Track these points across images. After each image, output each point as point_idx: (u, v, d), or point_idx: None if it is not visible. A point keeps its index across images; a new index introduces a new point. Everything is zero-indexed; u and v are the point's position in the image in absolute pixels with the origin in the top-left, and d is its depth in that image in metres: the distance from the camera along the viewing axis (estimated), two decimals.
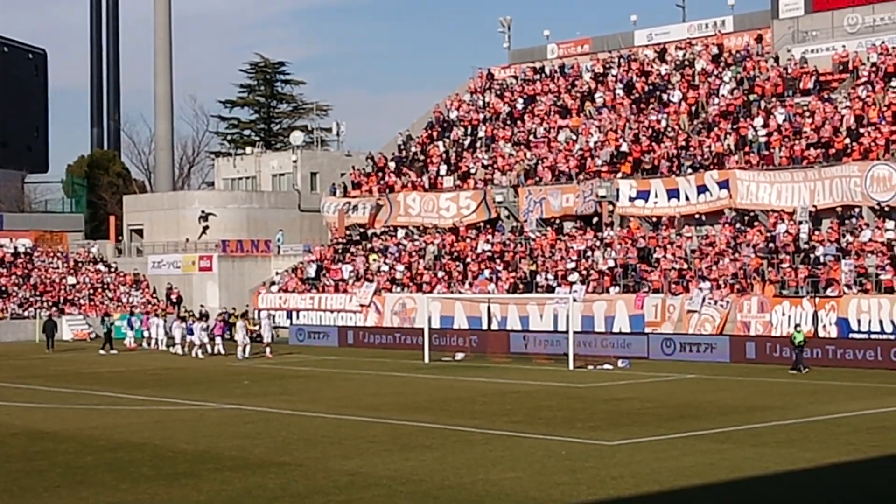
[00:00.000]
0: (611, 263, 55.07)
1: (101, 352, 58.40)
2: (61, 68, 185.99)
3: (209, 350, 55.33)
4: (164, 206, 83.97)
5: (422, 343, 51.76)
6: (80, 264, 79.61)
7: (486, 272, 59.03)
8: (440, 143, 72.40)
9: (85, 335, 70.87)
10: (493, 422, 29.83)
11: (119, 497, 20.58)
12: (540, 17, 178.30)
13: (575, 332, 47.64)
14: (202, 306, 68.68)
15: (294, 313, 65.67)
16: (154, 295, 76.45)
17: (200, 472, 22.76)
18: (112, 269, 79.84)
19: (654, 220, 57.90)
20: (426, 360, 50.05)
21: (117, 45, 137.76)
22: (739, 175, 54.90)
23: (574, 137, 65.30)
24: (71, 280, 76.72)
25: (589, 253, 56.81)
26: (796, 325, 44.73)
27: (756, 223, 53.84)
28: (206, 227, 79.98)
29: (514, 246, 60.95)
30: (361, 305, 62.60)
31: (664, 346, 49.91)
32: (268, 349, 53.81)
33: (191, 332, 55.83)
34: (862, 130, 53.53)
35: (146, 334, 62.13)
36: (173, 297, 74.75)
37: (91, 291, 75.92)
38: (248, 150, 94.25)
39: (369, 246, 68.17)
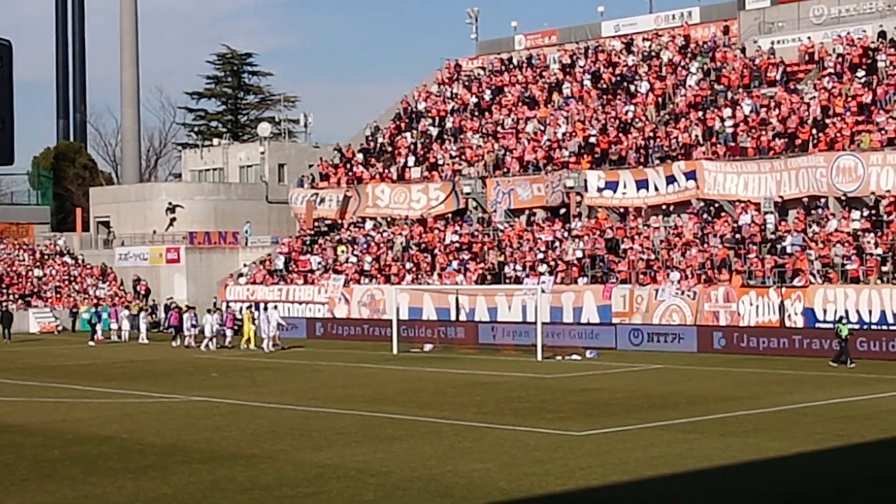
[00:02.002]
0: (579, 254, 55.19)
1: (91, 343, 58.75)
2: (27, 59, 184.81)
3: (222, 343, 54.96)
4: (130, 198, 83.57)
5: (390, 334, 51.76)
6: (46, 256, 79.20)
7: (455, 263, 59.06)
8: (408, 135, 72.36)
9: (52, 328, 70.57)
10: (461, 413, 29.88)
11: (87, 490, 20.51)
12: (507, 8, 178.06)
13: (543, 323, 47.74)
14: (170, 298, 68.56)
15: (262, 305, 65.43)
16: (121, 287, 76.12)
17: (168, 465, 22.70)
18: (79, 262, 79.46)
19: (622, 210, 58.05)
20: (395, 351, 50.07)
21: (83, 35, 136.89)
22: (707, 166, 55.10)
23: (542, 128, 65.38)
24: (38, 272, 76.32)
25: (557, 244, 56.91)
26: (841, 318, 43.34)
27: (723, 213, 54.07)
28: (173, 219, 79.67)
29: (482, 237, 61.00)
30: (330, 297, 62.52)
31: (632, 336, 50.10)
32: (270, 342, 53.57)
33: (195, 323, 55.80)
34: (828, 121, 53.82)
35: (114, 326, 61.94)
36: (141, 289, 74.47)
37: (58, 284, 75.55)
38: (216, 141, 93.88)
39: (337, 237, 68.09)
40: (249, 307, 58.54)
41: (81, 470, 22.39)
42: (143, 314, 62.36)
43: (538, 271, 55.08)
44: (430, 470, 21.79)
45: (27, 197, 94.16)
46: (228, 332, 55.40)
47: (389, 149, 72.05)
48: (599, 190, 58.71)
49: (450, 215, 64.95)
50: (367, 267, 62.93)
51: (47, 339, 65.39)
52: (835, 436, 25.48)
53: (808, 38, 61.43)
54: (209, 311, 57.24)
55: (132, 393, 36.22)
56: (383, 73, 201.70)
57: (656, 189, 56.80)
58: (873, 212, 49.53)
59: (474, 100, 72.24)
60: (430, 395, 34.44)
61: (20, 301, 72.02)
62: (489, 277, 57.25)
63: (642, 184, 57.30)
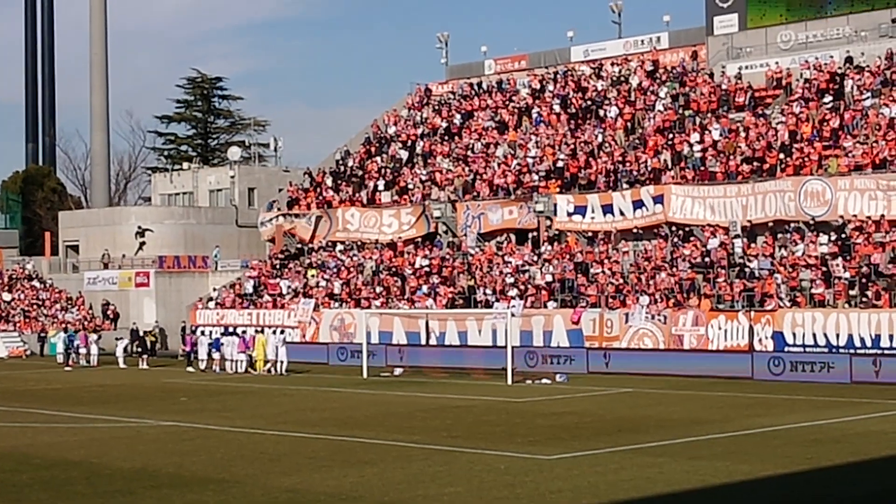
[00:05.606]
0: (548, 278, 55.31)
1: (68, 368, 58.50)
2: None
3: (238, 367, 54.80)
4: (100, 221, 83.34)
5: (360, 358, 51.70)
6: (14, 280, 78.82)
7: (425, 287, 59.08)
8: (378, 159, 72.41)
9: (20, 352, 70.14)
10: (432, 437, 29.87)
11: None
12: (477, 33, 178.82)
13: (513, 347, 47.78)
14: (157, 323, 68.37)
15: (231, 329, 65.25)
16: (90, 311, 75.77)
17: (137, 490, 22.60)
18: (47, 286, 79.07)
19: (591, 234, 58.21)
20: (365, 375, 50.01)
21: (52, 59, 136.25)
22: (674, 190, 55.33)
23: (512, 153, 65.55)
24: (6, 296, 75.93)
25: (527, 268, 57.00)
26: None
27: (692, 238, 54.27)
28: (142, 243, 79.45)
29: (452, 261, 61.04)
30: (300, 321, 62.42)
31: (602, 360, 50.15)
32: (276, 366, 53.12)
33: (217, 347, 55.59)
34: (795, 146, 54.16)
35: (83, 351, 61.57)
36: (110, 313, 74.16)
37: (26, 308, 75.17)
38: (185, 165, 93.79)
39: (307, 261, 68.02)
40: (260, 331, 58.20)
41: (49, 495, 22.26)
42: (121, 339, 61.93)
43: (508, 295, 55.13)
44: (400, 494, 21.77)
45: None
46: (244, 357, 54.74)
47: (359, 173, 72.08)
48: (569, 214, 58.90)
49: (420, 239, 64.98)
50: (337, 291, 62.86)
51: (15, 363, 64.97)
52: (804, 459, 25.59)
53: (776, 63, 61.89)
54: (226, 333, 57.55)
55: (101, 417, 36.05)
56: (353, 98, 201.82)
57: (622, 213, 57.03)
58: (841, 236, 49.80)
59: (444, 124, 72.38)
60: (400, 420, 34.41)
61: None
62: (459, 301, 57.28)
63: (609, 208, 57.50)
